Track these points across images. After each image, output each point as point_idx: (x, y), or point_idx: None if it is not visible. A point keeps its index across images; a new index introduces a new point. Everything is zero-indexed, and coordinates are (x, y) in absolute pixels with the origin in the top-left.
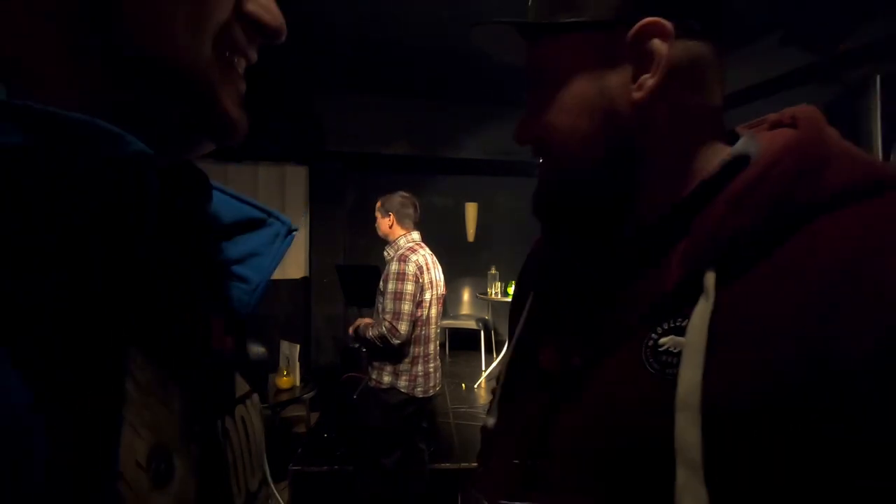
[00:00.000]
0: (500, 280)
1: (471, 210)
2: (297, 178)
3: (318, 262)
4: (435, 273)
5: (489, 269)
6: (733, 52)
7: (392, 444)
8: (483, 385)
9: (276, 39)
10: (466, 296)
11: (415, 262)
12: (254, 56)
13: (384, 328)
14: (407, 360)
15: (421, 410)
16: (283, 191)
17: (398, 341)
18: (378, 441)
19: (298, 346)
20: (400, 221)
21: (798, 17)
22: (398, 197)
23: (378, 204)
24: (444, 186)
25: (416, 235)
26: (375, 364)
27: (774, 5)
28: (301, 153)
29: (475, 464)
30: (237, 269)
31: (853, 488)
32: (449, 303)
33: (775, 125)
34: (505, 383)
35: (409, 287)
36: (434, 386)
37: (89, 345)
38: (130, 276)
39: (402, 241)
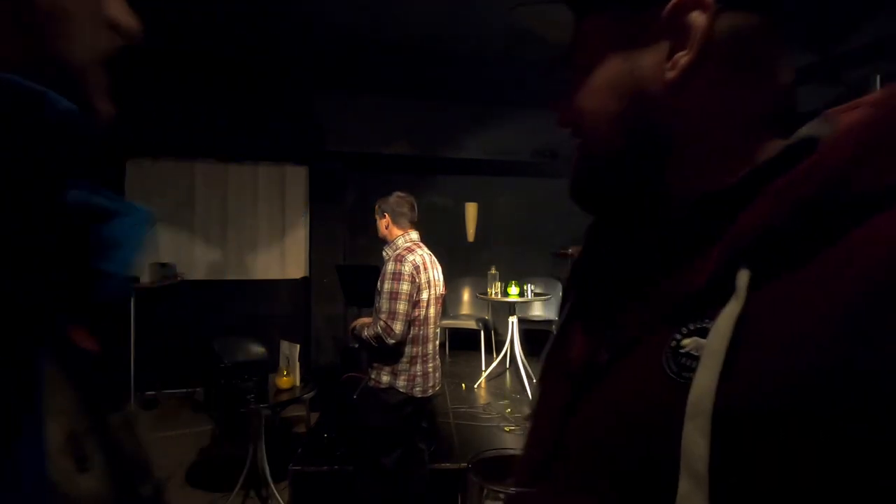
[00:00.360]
0: (500, 280)
1: (471, 210)
2: (297, 178)
3: (318, 262)
4: (433, 273)
5: (489, 269)
6: None
7: (391, 444)
8: (483, 385)
9: (132, 41)
10: (466, 296)
11: (411, 261)
12: (113, 53)
13: (379, 328)
14: (405, 359)
15: (420, 410)
16: (283, 191)
17: (393, 341)
18: (377, 441)
19: (298, 346)
20: (395, 221)
21: (798, 17)
22: (394, 197)
23: (376, 206)
24: (444, 186)
25: (414, 235)
26: (374, 364)
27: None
28: (301, 153)
29: None
30: (97, 262)
31: (873, 489)
32: (449, 303)
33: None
34: (541, 377)
35: (405, 287)
36: (433, 386)
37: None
38: (40, 260)
39: (399, 241)
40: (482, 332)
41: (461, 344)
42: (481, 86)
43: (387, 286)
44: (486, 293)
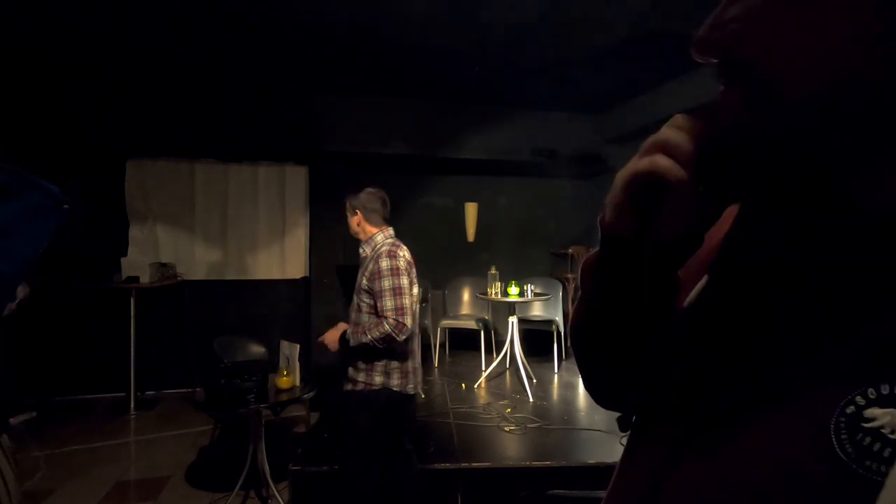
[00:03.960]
0: (500, 280)
1: (471, 210)
2: (297, 178)
3: (318, 262)
4: (414, 269)
5: (489, 269)
6: None
7: (381, 445)
8: (483, 385)
9: None
10: (466, 296)
11: (403, 257)
12: None
13: (388, 326)
14: (398, 357)
15: (410, 409)
16: (283, 191)
17: (404, 337)
18: (368, 443)
19: (298, 346)
20: (367, 219)
21: None
22: (365, 193)
23: (346, 203)
24: (444, 186)
25: (391, 231)
26: (361, 366)
27: None
28: (301, 153)
29: (475, 464)
30: None
31: None
32: (449, 303)
33: None
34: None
35: (405, 281)
36: (420, 382)
37: None
38: None
39: (379, 238)
40: (482, 332)
41: (461, 344)
42: (481, 86)
43: (387, 283)
44: (486, 293)
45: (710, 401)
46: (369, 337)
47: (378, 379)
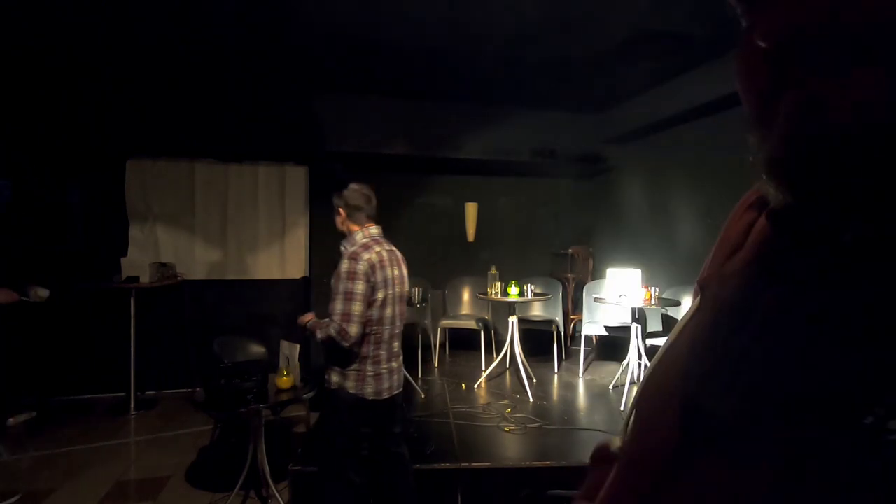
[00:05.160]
0: (500, 280)
1: (471, 210)
2: (297, 178)
3: (318, 262)
4: (392, 271)
5: (489, 269)
6: (731, 52)
7: (349, 447)
8: (483, 385)
9: None
10: (466, 296)
11: (366, 259)
12: None
13: (333, 330)
14: (354, 360)
15: (384, 414)
16: (283, 191)
17: (346, 343)
18: (335, 444)
19: (298, 346)
20: (351, 216)
21: None
22: (349, 190)
23: (333, 200)
24: (444, 186)
25: (374, 230)
26: (328, 364)
27: None
28: (301, 153)
29: (475, 464)
30: None
31: None
32: (449, 303)
33: None
34: (631, 417)
35: (360, 287)
36: (389, 388)
37: None
38: None
39: (358, 237)
40: (482, 332)
41: (461, 344)
42: (481, 86)
43: (341, 286)
44: (486, 293)
45: (707, 418)
46: (319, 336)
47: (335, 378)
